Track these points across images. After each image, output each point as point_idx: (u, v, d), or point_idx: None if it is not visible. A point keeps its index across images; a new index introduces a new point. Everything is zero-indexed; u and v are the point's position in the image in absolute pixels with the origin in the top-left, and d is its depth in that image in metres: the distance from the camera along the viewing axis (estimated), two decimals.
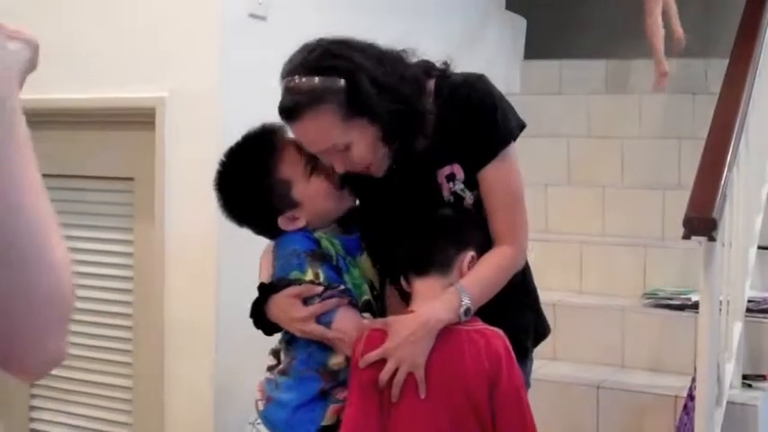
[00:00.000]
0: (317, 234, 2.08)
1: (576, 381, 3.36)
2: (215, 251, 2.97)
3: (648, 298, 3.62)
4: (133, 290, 3.28)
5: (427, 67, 2.07)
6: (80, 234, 3.38)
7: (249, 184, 2.08)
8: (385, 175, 2.07)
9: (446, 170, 2.06)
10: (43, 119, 3.43)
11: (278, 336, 2.14)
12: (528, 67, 5.22)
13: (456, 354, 1.95)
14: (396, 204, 2.12)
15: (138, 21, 3.18)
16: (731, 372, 3.10)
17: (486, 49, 4.65)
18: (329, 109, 1.92)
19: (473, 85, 2.05)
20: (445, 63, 2.10)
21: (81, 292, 3.39)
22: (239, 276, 2.89)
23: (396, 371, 1.94)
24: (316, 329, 2.01)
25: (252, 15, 3.14)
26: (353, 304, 2.04)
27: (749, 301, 3.37)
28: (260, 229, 2.14)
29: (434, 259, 2.04)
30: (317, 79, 1.91)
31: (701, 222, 2.75)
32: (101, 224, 3.36)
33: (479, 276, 2.02)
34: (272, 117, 3.01)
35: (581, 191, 4.24)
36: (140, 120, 3.17)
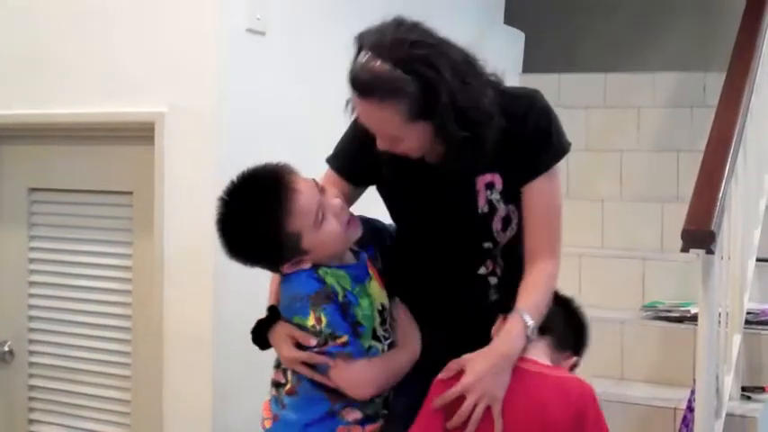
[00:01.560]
0: (322, 270, 2.02)
1: None
2: (213, 264, 2.97)
3: (647, 310, 3.63)
4: (132, 303, 3.28)
5: (496, 82, 2.05)
6: (79, 248, 3.39)
7: (257, 235, 1.99)
8: (425, 170, 2.07)
9: (487, 177, 2.07)
10: (43, 133, 3.45)
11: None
12: (526, 80, 5.22)
13: (538, 399, 1.96)
14: (429, 204, 2.11)
15: (138, 36, 3.19)
16: (730, 384, 3.10)
17: (484, 63, 4.65)
18: (398, 106, 1.89)
19: (533, 99, 2.08)
20: (495, 75, 2.07)
21: (79, 305, 3.40)
22: (237, 289, 2.90)
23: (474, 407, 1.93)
24: (302, 371, 2.02)
25: (250, 30, 3.15)
26: (353, 355, 2.00)
27: (748, 313, 3.37)
28: (265, 268, 2.11)
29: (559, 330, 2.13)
30: (398, 73, 1.87)
31: (700, 235, 2.75)
32: (100, 238, 3.36)
33: (534, 299, 2.04)
34: (271, 132, 3.03)
35: (580, 203, 4.24)
36: (140, 134, 3.17)
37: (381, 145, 2.01)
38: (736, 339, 3.21)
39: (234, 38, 3.11)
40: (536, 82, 5.16)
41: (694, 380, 2.80)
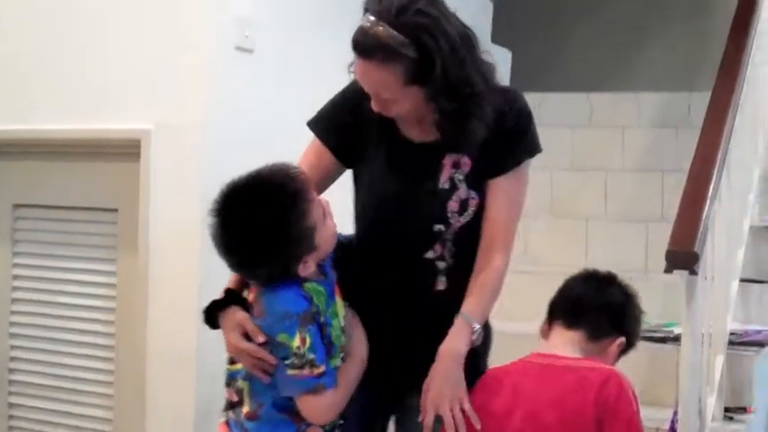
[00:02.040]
0: (308, 286, 2.01)
1: None
2: (197, 283, 2.96)
3: None
4: (115, 321, 3.27)
5: (488, 70, 2.13)
6: (63, 264, 3.38)
7: (279, 229, 1.95)
8: (401, 140, 2.14)
9: (456, 157, 2.12)
10: (28, 149, 3.44)
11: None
12: None
13: (558, 392, 2.07)
14: (394, 172, 2.15)
15: (125, 53, 3.20)
16: (713, 405, 3.11)
17: (482, 48, 4.66)
18: (396, 69, 1.98)
19: (515, 96, 2.17)
20: (489, 64, 2.15)
21: (63, 323, 3.39)
22: None
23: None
24: (244, 362, 2.02)
25: (239, 48, 3.16)
26: (326, 387, 1.99)
27: (731, 334, 3.38)
28: (271, 271, 2.02)
29: (595, 322, 2.22)
30: (399, 38, 1.96)
31: (683, 256, 2.76)
32: (84, 255, 3.35)
33: (482, 303, 2.12)
34: (259, 150, 3.02)
35: (564, 222, 4.26)
36: (125, 151, 3.17)
37: (375, 106, 2.08)
38: (719, 360, 3.22)
39: (222, 55, 3.11)
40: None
41: (677, 400, 2.81)
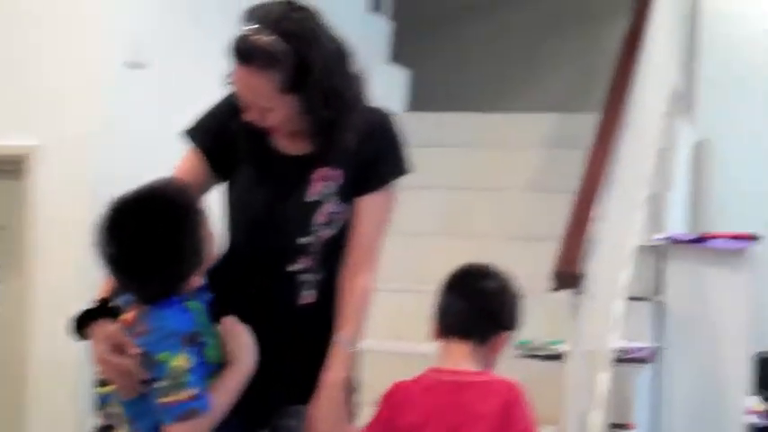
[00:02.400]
0: (191, 304, 1.98)
1: None
2: (85, 299, 2.91)
3: (519, 348, 3.67)
4: None
5: (361, 86, 2.18)
6: None
7: (176, 242, 1.91)
8: (274, 153, 2.16)
9: (326, 170, 2.14)
10: None
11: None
12: (411, 118, 5.25)
13: (467, 405, 2.14)
14: (264, 185, 2.16)
15: (13, 68, 3.14)
16: (597, 422, 3.16)
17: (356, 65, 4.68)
18: (274, 75, 2.01)
19: (386, 117, 2.21)
20: (361, 78, 2.20)
21: None
22: None
23: None
24: (110, 375, 1.97)
25: (129, 64, 3.13)
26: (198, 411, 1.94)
27: (617, 351, 3.45)
28: (156, 291, 1.96)
29: (476, 328, 2.25)
30: (278, 44, 2.00)
31: (568, 276, 2.83)
32: None
33: (354, 326, 2.14)
34: (150, 167, 2.97)
35: (457, 242, 4.28)
36: (11, 168, 3.12)
37: (251, 116, 2.09)
38: (604, 377, 3.29)
39: (112, 71, 3.08)
40: (420, 120, 5.21)
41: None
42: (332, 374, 2.10)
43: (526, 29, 5.51)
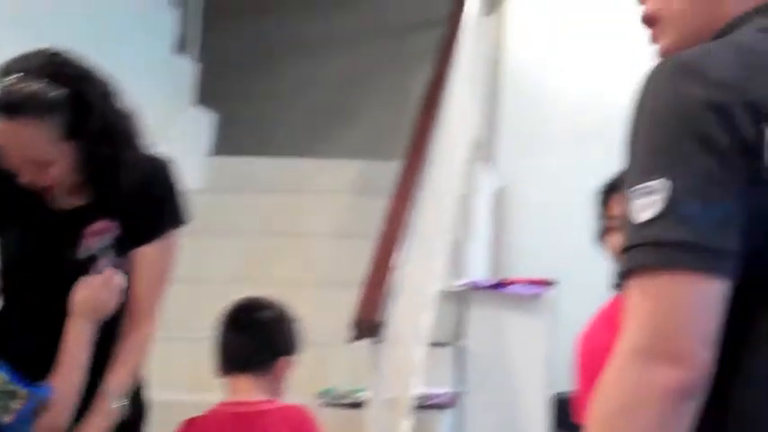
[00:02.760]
0: None
1: None
2: None
3: (322, 397, 3.65)
4: None
5: (135, 124, 2.12)
6: None
7: None
8: (43, 210, 2.07)
9: (99, 224, 2.07)
10: None
11: None
12: (216, 162, 5.18)
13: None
14: (34, 244, 2.09)
15: None
16: None
17: (168, 145, 4.60)
18: (51, 122, 1.91)
19: (163, 164, 2.15)
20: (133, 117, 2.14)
21: None
22: None
23: None
24: None
25: None
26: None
27: (419, 397, 3.47)
28: None
29: (255, 359, 2.32)
30: (50, 89, 1.89)
31: (368, 324, 2.85)
32: None
33: (122, 376, 2.08)
34: None
35: (258, 289, 4.20)
36: None
37: (26, 177, 1.98)
38: (406, 424, 3.30)
39: None
40: (227, 164, 5.17)
41: None
42: (88, 426, 2.03)
43: (338, 74, 5.54)
